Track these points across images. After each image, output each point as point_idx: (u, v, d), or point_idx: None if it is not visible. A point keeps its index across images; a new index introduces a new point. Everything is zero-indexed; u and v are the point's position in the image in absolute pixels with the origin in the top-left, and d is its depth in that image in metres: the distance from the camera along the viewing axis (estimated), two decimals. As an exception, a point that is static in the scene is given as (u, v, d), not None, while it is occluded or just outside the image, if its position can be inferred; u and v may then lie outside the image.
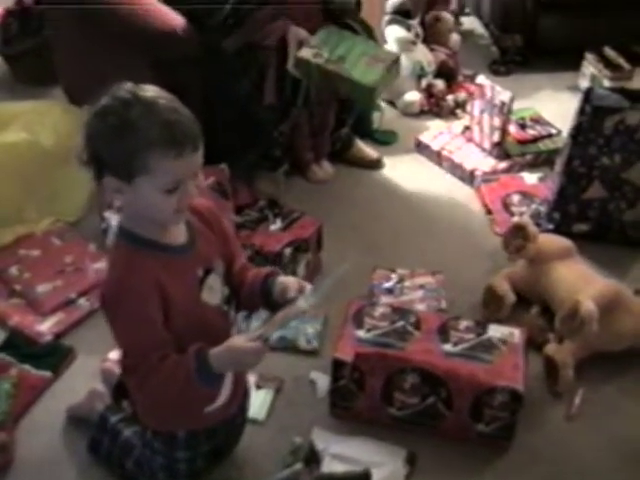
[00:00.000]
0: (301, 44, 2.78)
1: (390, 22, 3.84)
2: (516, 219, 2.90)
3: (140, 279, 1.60)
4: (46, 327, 2.52)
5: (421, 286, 2.66)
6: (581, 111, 2.76)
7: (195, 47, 2.85)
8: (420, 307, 2.55)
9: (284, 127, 3.03)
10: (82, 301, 2.62)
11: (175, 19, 2.87)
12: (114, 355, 2.29)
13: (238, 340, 1.62)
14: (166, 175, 1.53)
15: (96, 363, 2.35)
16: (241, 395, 1.95)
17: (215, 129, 3.02)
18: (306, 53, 2.78)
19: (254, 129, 3.01)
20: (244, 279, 1.84)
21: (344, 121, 3.34)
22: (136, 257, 1.63)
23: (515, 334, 2.19)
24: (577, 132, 2.78)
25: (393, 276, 2.70)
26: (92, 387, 2.23)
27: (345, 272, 1.69)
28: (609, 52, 4.11)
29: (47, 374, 2.36)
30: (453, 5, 4.68)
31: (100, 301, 1.65)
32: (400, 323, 2.21)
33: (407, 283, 2.67)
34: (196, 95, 2.95)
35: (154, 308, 1.61)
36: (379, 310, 2.27)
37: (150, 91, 1.56)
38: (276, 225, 2.68)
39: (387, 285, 2.66)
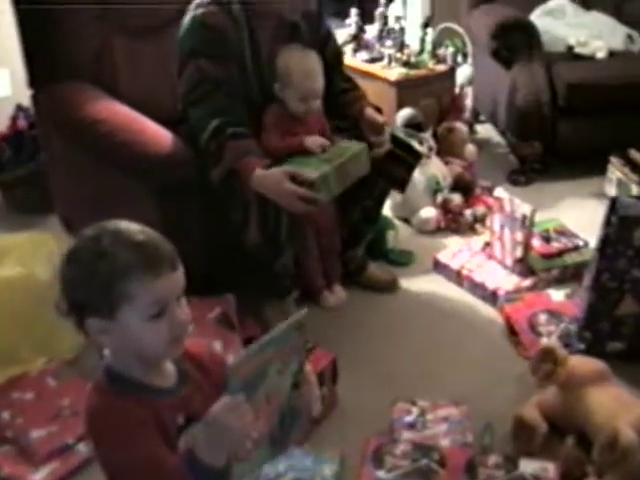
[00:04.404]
0: (294, 178, 2.74)
1: (401, 136, 3.91)
2: (544, 341, 2.89)
3: (123, 425, 1.60)
4: (40, 477, 2.48)
5: (445, 419, 2.63)
6: (607, 222, 2.77)
7: (194, 173, 2.90)
8: (444, 442, 2.51)
9: (284, 260, 3.03)
10: (80, 447, 2.59)
11: (174, 143, 2.94)
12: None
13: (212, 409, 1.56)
14: (147, 298, 1.56)
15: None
16: None
17: (219, 257, 3.07)
18: (312, 173, 2.76)
19: (254, 261, 3.04)
20: None
21: (359, 241, 3.38)
22: (120, 403, 1.64)
23: (549, 469, 2.17)
24: (604, 244, 2.78)
25: (414, 409, 2.67)
26: None
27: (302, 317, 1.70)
28: (635, 155, 4.15)
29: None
30: (467, 114, 4.80)
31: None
32: (424, 461, 2.20)
33: (429, 416, 2.64)
34: (199, 222, 3.00)
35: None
36: (400, 447, 2.26)
37: (117, 222, 1.63)
38: (287, 358, 2.68)
39: (408, 419, 2.63)
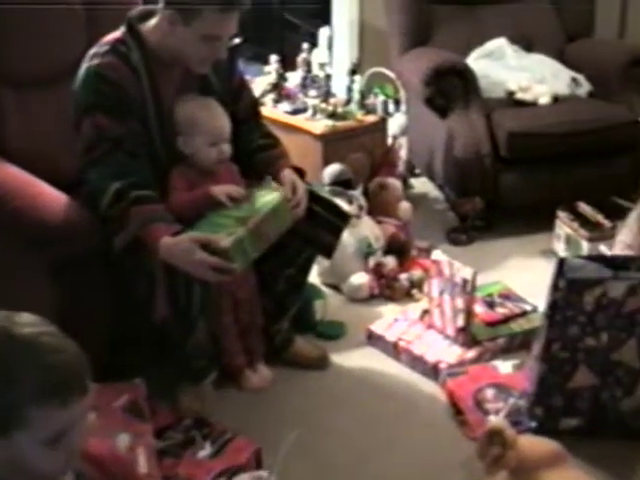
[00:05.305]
0: (206, 246, 2.67)
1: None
2: (492, 420, 2.86)
3: None
4: None
5: (384, 514, 2.60)
6: (555, 286, 2.74)
7: (96, 242, 2.85)
8: (384, 540, 2.48)
9: (198, 337, 2.98)
10: None
11: (73, 209, 2.90)
12: None
13: None
14: (49, 428, 1.49)
15: None
16: None
17: (125, 337, 3.00)
18: (224, 239, 2.69)
19: (164, 339, 2.98)
20: None
21: (284, 313, 3.34)
22: None
23: None
24: (553, 311, 2.76)
25: (349, 503, 2.64)
26: None
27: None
28: (584, 208, 4.20)
29: None
30: (401, 168, 4.81)
31: None
32: None
33: (367, 511, 2.61)
34: (104, 297, 2.94)
35: None
36: None
37: (28, 325, 1.52)
38: (205, 451, 2.64)
39: (343, 515, 2.60)
